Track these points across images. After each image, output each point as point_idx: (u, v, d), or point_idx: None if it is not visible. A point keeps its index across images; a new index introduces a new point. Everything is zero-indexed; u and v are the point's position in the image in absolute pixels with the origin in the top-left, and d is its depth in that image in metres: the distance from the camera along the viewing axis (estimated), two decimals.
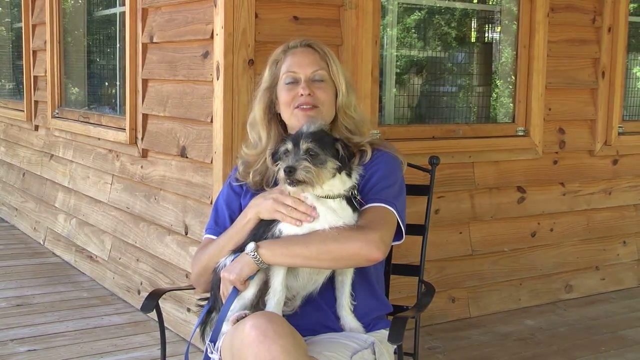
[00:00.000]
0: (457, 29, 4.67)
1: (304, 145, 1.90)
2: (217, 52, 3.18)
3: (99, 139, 4.57)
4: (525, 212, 4.28)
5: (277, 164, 1.93)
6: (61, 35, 5.26)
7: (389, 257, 2.47)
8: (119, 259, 4.34)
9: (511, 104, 4.30)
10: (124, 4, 4.12)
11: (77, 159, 5.00)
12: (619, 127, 4.58)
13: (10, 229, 6.06)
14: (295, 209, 1.95)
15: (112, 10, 5.18)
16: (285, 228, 1.97)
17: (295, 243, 1.94)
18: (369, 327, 2.12)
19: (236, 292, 1.96)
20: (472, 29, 4.87)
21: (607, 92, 4.49)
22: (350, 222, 1.96)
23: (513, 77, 4.29)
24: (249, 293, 1.96)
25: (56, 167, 5.38)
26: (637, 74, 5.39)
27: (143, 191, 4.08)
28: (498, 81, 4.53)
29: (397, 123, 4.20)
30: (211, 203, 3.04)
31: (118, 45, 4.83)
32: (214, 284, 2.07)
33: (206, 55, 3.35)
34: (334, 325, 2.08)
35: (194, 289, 2.32)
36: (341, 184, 1.95)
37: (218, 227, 2.23)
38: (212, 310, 2.10)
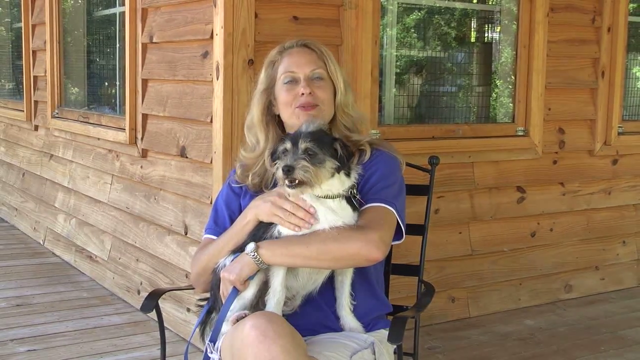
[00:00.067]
0: (457, 28, 4.67)
1: (302, 145, 1.89)
2: (216, 52, 3.18)
3: (98, 139, 4.57)
4: (525, 212, 4.28)
5: (276, 163, 1.93)
6: (61, 35, 5.26)
7: (388, 257, 2.47)
8: (119, 259, 4.34)
9: (511, 104, 4.30)
10: (123, 4, 4.12)
11: (77, 159, 5.00)
12: (619, 127, 4.58)
13: (10, 229, 6.06)
14: (294, 214, 1.94)
15: (111, 10, 5.18)
16: (285, 229, 1.97)
17: (295, 243, 1.94)
18: (368, 327, 2.12)
19: (236, 292, 1.96)
20: (472, 29, 4.87)
21: (607, 92, 4.49)
22: (350, 222, 1.96)
23: (513, 77, 4.29)
24: (249, 293, 1.96)
25: (56, 167, 5.38)
26: (637, 73, 5.39)
27: (143, 191, 4.08)
28: (498, 81, 4.53)
29: (396, 123, 4.20)
30: (211, 203, 3.04)
31: (118, 45, 4.83)
32: (214, 284, 2.07)
33: (206, 55, 3.35)
34: (334, 325, 2.08)
35: (193, 289, 2.32)
36: (340, 183, 1.95)
37: (218, 227, 2.23)
38: (212, 310, 2.10)
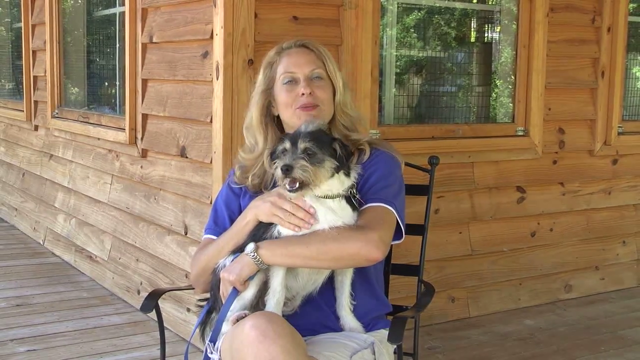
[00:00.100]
0: (457, 28, 4.67)
1: (301, 145, 1.89)
2: (216, 52, 3.18)
3: (98, 139, 4.57)
4: (525, 212, 4.28)
5: (275, 163, 1.93)
6: (61, 35, 5.26)
7: (388, 257, 2.47)
8: (119, 259, 4.34)
9: (511, 104, 4.30)
10: (123, 4, 4.12)
11: (77, 159, 5.00)
12: (619, 126, 4.58)
13: (9, 229, 6.06)
14: (293, 214, 1.94)
15: (111, 10, 5.18)
16: (284, 229, 1.97)
17: (294, 243, 1.94)
18: (368, 327, 2.12)
19: (236, 292, 1.96)
20: (472, 29, 4.87)
21: (607, 92, 4.49)
22: (349, 221, 1.96)
23: (513, 77, 4.29)
24: (249, 293, 1.96)
25: (56, 167, 5.38)
26: (637, 73, 5.39)
27: (143, 191, 4.08)
28: (498, 81, 4.53)
29: (396, 123, 4.20)
30: (211, 203, 3.04)
31: (118, 45, 4.83)
32: (214, 285, 2.07)
33: (206, 55, 3.35)
34: (334, 325, 2.08)
35: (193, 289, 2.32)
36: (340, 183, 1.95)
37: (217, 227, 2.23)
38: (212, 311, 2.10)
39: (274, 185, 2.09)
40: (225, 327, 1.94)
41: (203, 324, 2.13)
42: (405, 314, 2.07)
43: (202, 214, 3.43)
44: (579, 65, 4.40)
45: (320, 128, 1.99)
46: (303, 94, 2.13)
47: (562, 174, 4.41)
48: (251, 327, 1.76)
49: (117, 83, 4.86)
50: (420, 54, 4.61)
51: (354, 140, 2.17)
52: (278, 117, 2.22)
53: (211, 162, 3.29)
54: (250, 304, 1.96)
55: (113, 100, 5.07)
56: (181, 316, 3.61)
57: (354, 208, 1.98)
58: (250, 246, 1.95)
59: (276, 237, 1.98)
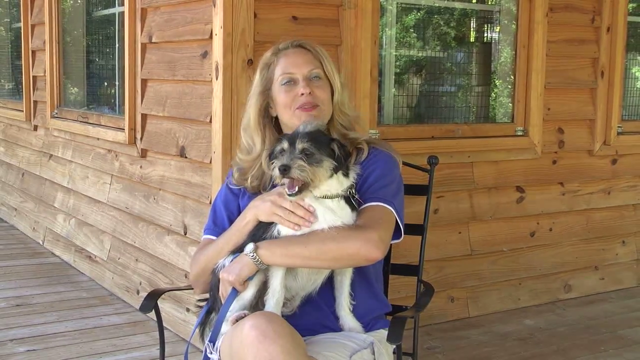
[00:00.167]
0: (456, 28, 4.67)
1: (299, 145, 1.89)
2: (216, 52, 3.18)
3: (98, 139, 4.57)
4: (525, 212, 4.28)
5: (273, 162, 1.92)
6: (60, 35, 5.26)
7: (388, 257, 2.47)
8: (118, 259, 4.34)
9: (510, 104, 4.30)
10: (123, 4, 4.12)
11: (76, 159, 5.00)
12: (618, 126, 4.58)
13: (9, 229, 6.06)
14: (293, 212, 1.94)
15: (111, 10, 5.18)
16: (284, 228, 1.97)
17: (294, 243, 1.94)
18: (368, 327, 2.12)
19: (235, 292, 1.96)
20: (471, 29, 4.87)
21: (606, 92, 4.49)
22: (348, 221, 1.96)
23: (512, 77, 4.29)
24: (248, 293, 1.96)
25: (55, 167, 5.38)
26: (636, 73, 5.39)
27: (142, 191, 4.07)
28: (497, 81, 4.53)
29: (396, 123, 4.20)
30: (210, 203, 3.04)
31: (117, 45, 4.83)
32: (213, 285, 2.06)
33: (205, 55, 3.35)
34: (333, 325, 2.08)
35: (192, 289, 2.32)
36: (339, 184, 1.95)
37: (217, 227, 2.23)
38: (212, 311, 2.10)
39: (273, 187, 2.09)
40: (225, 327, 1.94)
41: (202, 324, 2.13)
42: (405, 314, 2.07)
43: (201, 214, 3.43)
44: (579, 65, 4.40)
45: (319, 128, 1.99)
46: (302, 93, 2.13)
47: (562, 173, 4.41)
48: (251, 327, 1.76)
49: (117, 83, 4.86)
50: (420, 54, 4.61)
51: (352, 139, 2.17)
52: (275, 118, 2.22)
53: (210, 162, 3.29)
54: (250, 304, 1.96)
55: (112, 100, 5.07)
56: (181, 316, 3.61)
57: (353, 208, 1.98)
58: (250, 246, 1.95)
59: (276, 237, 1.98)
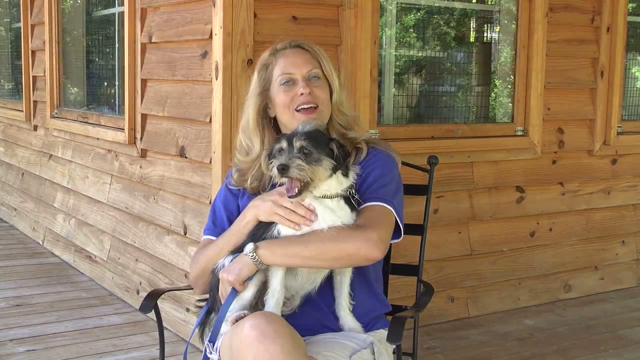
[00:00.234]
0: (456, 28, 4.67)
1: (298, 144, 1.89)
2: (215, 52, 3.18)
3: (97, 139, 4.57)
4: (524, 212, 4.28)
5: (272, 162, 1.92)
6: (60, 36, 5.26)
7: (387, 257, 2.47)
8: (118, 259, 4.34)
9: (510, 104, 4.30)
10: (122, 4, 4.11)
11: (76, 159, 5.00)
12: (618, 126, 4.58)
13: (9, 229, 6.06)
14: (294, 211, 1.94)
15: (111, 10, 5.18)
16: (284, 229, 1.97)
17: (294, 243, 1.94)
18: (367, 326, 2.12)
19: (235, 292, 1.95)
20: (471, 29, 4.87)
21: (606, 92, 4.49)
22: (348, 221, 1.96)
23: (512, 77, 4.29)
24: (248, 293, 1.96)
25: (55, 167, 5.38)
26: (636, 73, 5.39)
27: (142, 191, 4.07)
28: (497, 81, 4.53)
29: (396, 123, 4.20)
30: (210, 203, 3.04)
31: (117, 45, 4.83)
32: (213, 285, 2.06)
33: (205, 55, 3.35)
34: (333, 325, 2.08)
35: (192, 289, 2.32)
36: (338, 183, 1.95)
37: (216, 228, 2.22)
38: (211, 311, 2.10)
39: (273, 187, 2.09)
40: (225, 327, 1.94)
41: (202, 324, 2.13)
42: (405, 314, 2.07)
43: (201, 214, 3.43)
44: (578, 65, 4.40)
45: (318, 128, 1.99)
46: (302, 93, 2.12)
47: (562, 173, 4.41)
48: (251, 327, 1.76)
49: (117, 83, 4.86)
50: (420, 54, 4.62)
51: (351, 139, 2.17)
52: (274, 118, 2.22)
53: (210, 162, 3.29)
54: (250, 304, 1.96)
55: (112, 100, 5.07)
56: (180, 316, 3.61)
57: (352, 208, 1.98)
58: (249, 246, 1.95)
59: (276, 237, 1.98)
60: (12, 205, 6.26)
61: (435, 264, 3.90)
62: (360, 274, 2.11)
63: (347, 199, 1.97)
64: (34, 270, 4.85)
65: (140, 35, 3.91)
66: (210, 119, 3.27)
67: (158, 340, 2.32)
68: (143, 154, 4.00)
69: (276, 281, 1.94)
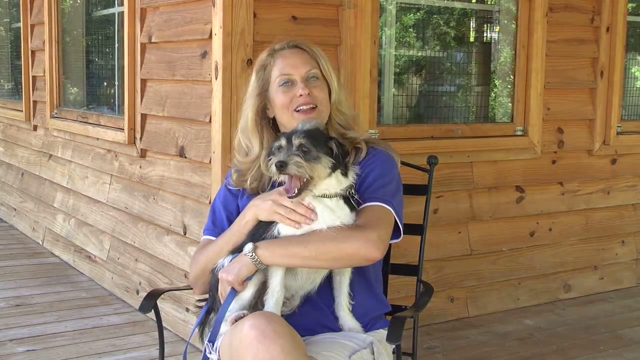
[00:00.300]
0: (456, 28, 4.67)
1: (296, 142, 1.89)
2: (215, 52, 3.18)
3: (97, 139, 4.57)
4: (524, 212, 4.28)
5: (270, 159, 1.92)
6: (60, 35, 5.26)
7: (387, 257, 2.47)
8: (118, 259, 4.34)
9: (510, 104, 4.30)
10: (122, 4, 4.11)
11: (76, 159, 5.00)
12: (618, 126, 4.58)
13: (8, 229, 6.06)
14: (294, 210, 1.94)
15: (110, 10, 5.18)
16: (284, 228, 1.97)
17: (293, 243, 1.94)
18: (367, 326, 2.12)
19: (234, 292, 1.95)
20: (471, 29, 4.87)
21: (606, 92, 4.49)
22: (348, 221, 1.96)
23: (511, 77, 4.29)
24: (247, 293, 1.96)
25: (55, 167, 5.38)
26: (636, 73, 5.39)
27: (142, 191, 4.07)
28: (497, 81, 4.53)
29: (395, 123, 4.20)
30: (210, 203, 3.04)
31: (117, 45, 4.83)
32: (213, 285, 2.06)
33: (205, 55, 3.35)
34: (333, 325, 2.08)
35: (192, 289, 2.32)
36: (337, 183, 1.95)
37: (216, 228, 2.23)
38: (211, 311, 2.10)
39: (272, 187, 2.09)
40: (224, 327, 1.94)
41: (202, 324, 2.13)
42: (404, 314, 2.07)
43: (201, 214, 3.43)
44: (578, 65, 4.40)
45: (317, 127, 1.99)
46: (301, 94, 2.12)
47: (561, 173, 4.41)
48: (250, 327, 1.76)
49: (116, 83, 4.86)
50: (420, 54, 4.62)
51: (350, 139, 2.17)
52: (273, 119, 2.22)
53: (210, 162, 3.29)
54: (249, 304, 1.96)
55: (112, 100, 5.07)
56: (180, 316, 3.61)
57: (352, 208, 1.98)
58: (249, 246, 1.95)
59: (275, 237, 1.98)
60: (12, 205, 6.26)
61: (435, 264, 3.90)
62: (360, 274, 2.11)
63: (347, 199, 1.97)
64: (34, 270, 4.85)
65: (140, 35, 3.91)
66: (210, 118, 3.27)
67: (158, 340, 2.32)
68: (143, 154, 4.00)
69: (276, 281, 1.94)
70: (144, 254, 4.03)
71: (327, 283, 2.07)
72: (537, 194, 4.32)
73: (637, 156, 4.75)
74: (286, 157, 1.86)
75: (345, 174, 1.97)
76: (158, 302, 2.21)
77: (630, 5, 4.72)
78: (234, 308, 1.96)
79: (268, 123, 2.21)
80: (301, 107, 2.13)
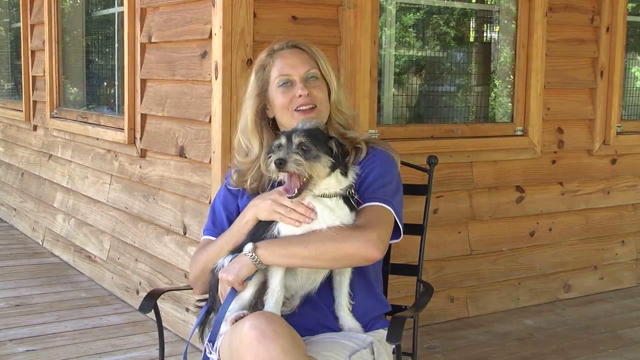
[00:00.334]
0: (456, 28, 4.67)
1: (296, 140, 1.89)
2: (215, 52, 3.18)
3: (97, 139, 4.57)
4: (524, 212, 4.28)
5: (270, 156, 1.92)
6: (60, 35, 5.26)
7: (387, 257, 2.47)
8: (118, 259, 4.34)
9: (510, 104, 4.30)
10: (122, 4, 4.11)
11: (76, 159, 5.00)
12: (618, 126, 4.58)
13: (8, 229, 6.06)
14: (294, 209, 1.94)
15: (110, 10, 5.18)
16: (284, 228, 1.97)
17: (293, 243, 1.94)
18: (367, 326, 2.12)
19: (234, 292, 1.95)
20: (471, 29, 4.87)
21: (606, 92, 4.49)
22: (347, 221, 1.96)
23: (511, 77, 4.29)
24: (247, 293, 1.96)
25: (55, 167, 5.38)
26: (636, 73, 5.39)
27: (142, 191, 4.07)
28: (496, 81, 4.53)
29: (395, 123, 4.20)
30: (209, 203, 3.04)
31: (116, 45, 4.83)
32: (213, 285, 2.06)
33: (204, 55, 3.35)
34: (333, 325, 2.08)
35: (192, 289, 2.32)
36: (337, 183, 1.95)
37: (216, 228, 2.22)
38: (211, 311, 2.10)
39: (272, 188, 2.08)
40: (224, 327, 1.94)
41: (202, 324, 2.13)
42: (404, 314, 2.07)
43: (201, 214, 3.43)
44: (578, 65, 4.40)
45: (317, 127, 1.99)
46: (300, 95, 2.12)
47: (561, 173, 4.41)
48: (250, 327, 1.76)
49: (116, 83, 4.86)
50: (419, 54, 4.62)
51: (351, 139, 2.17)
52: (273, 119, 2.21)
53: (210, 162, 3.29)
54: (249, 304, 1.96)
55: (112, 100, 5.07)
56: (180, 316, 3.61)
57: (351, 208, 1.98)
58: (249, 246, 1.95)
59: (275, 237, 1.98)
60: (11, 205, 6.26)
61: (434, 264, 3.90)
62: (360, 274, 2.11)
63: (347, 199, 1.97)
64: (34, 270, 4.85)
65: (140, 35, 3.91)
66: (210, 118, 3.27)
67: (158, 340, 2.32)
68: (143, 154, 4.00)
69: (275, 281, 1.94)
70: (144, 254, 4.03)
71: (327, 283, 2.07)
72: (537, 194, 4.32)
73: (637, 156, 4.75)
74: (285, 154, 1.86)
75: (344, 174, 1.96)
76: (158, 302, 2.21)
77: (630, 5, 4.72)
78: (234, 308, 1.96)
79: (268, 123, 2.21)
80: (301, 108, 2.12)
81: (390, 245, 2.19)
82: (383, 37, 4.16)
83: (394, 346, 2.08)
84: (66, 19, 5.38)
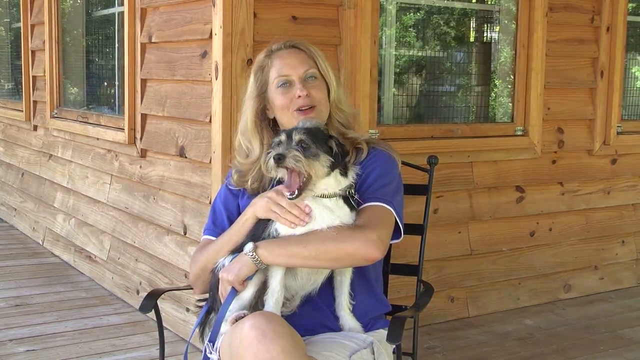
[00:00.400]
0: (456, 28, 4.67)
1: (296, 137, 1.89)
2: (215, 52, 3.18)
3: (97, 139, 4.57)
4: (524, 212, 4.28)
5: (269, 152, 1.91)
6: (60, 35, 5.26)
7: (387, 257, 2.47)
8: (118, 259, 4.34)
9: (510, 104, 4.30)
10: (122, 4, 4.12)
11: (76, 159, 5.00)
12: (618, 126, 4.58)
13: (9, 229, 6.06)
14: (290, 211, 1.94)
15: (110, 10, 5.18)
16: (282, 228, 1.97)
17: (293, 243, 1.94)
18: (367, 326, 2.12)
19: (234, 292, 1.96)
20: (471, 29, 4.87)
21: (606, 92, 4.49)
22: (347, 221, 1.96)
23: (512, 77, 4.29)
24: (248, 293, 1.96)
25: (55, 167, 5.38)
26: (636, 73, 5.39)
27: (142, 191, 4.07)
28: (497, 81, 4.53)
29: (395, 123, 4.20)
30: (210, 203, 3.04)
31: (117, 45, 4.83)
32: (213, 285, 2.06)
33: (205, 55, 3.35)
34: (333, 325, 2.08)
35: (192, 289, 2.32)
36: (336, 182, 1.95)
37: (216, 228, 2.23)
38: (211, 311, 2.10)
39: (272, 187, 2.08)
40: (224, 327, 1.94)
41: (202, 324, 2.13)
42: (405, 314, 2.07)
43: (201, 214, 3.43)
44: (578, 64, 4.40)
45: (318, 126, 1.99)
46: (299, 96, 2.12)
47: (561, 173, 4.41)
48: (250, 327, 1.76)
49: (116, 83, 4.86)
50: (420, 54, 4.62)
51: (351, 139, 2.17)
52: (273, 119, 2.21)
53: (210, 162, 3.29)
54: (249, 304, 1.96)
55: (112, 100, 5.07)
56: (180, 316, 3.61)
57: (351, 208, 1.98)
58: (249, 246, 1.95)
59: (274, 236, 1.98)
60: (12, 205, 6.26)
61: (435, 264, 3.90)
62: (360, 274, 2.11)
63: (346, 199, 1.97)
64: (34, 270, 4.85)
65: (140, 35, 3.91)
66: (210, 118, 3.27)
67: (158, 340, 2.32)
68: (143, 154, 4.00)
69: (276, 281, 1.94)
70: (144, 254, 4.03)
71: (328, 283, 2.07)
72: (537, 194, 4.32)
73: (637, 156, 4.75)
74: (285, 150, 1.86)
75: (344, 174, 1.96)
76: (158, 302, 2.21)
77: (630, 5, 4.72)
78: (234, 308, 1.96)
79: (268, 124, 2.21)
80: (300, 108, 2.13)
81: (390, 245, 2.19)
82: (383, 37, 4.16)
83: (394, 346, 2.08)
84: (66, 19, 5.38)
